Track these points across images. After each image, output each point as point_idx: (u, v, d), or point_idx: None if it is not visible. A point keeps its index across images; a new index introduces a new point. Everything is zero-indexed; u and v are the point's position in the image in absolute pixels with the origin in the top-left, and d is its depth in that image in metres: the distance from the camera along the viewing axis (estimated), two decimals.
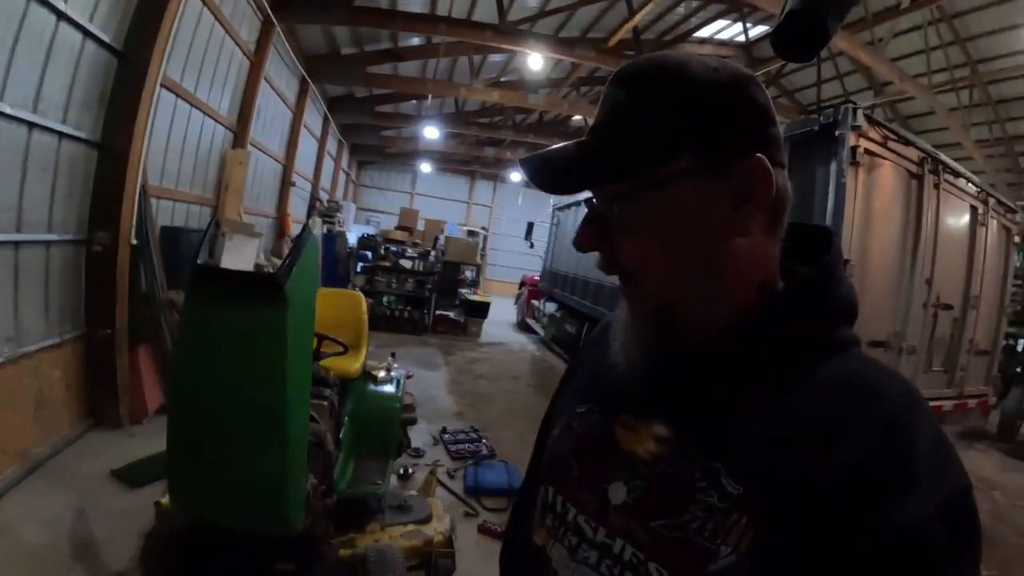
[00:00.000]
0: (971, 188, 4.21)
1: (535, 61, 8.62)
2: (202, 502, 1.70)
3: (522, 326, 11.88)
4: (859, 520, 0.42)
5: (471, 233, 12.52)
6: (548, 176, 0.56)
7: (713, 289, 0.53)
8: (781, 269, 0.56)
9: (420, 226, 11.01)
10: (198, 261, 1.61)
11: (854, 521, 0.42)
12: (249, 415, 1.55)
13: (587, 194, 0.56)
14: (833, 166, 3.33)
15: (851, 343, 0.54)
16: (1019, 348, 6.45)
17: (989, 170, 9.15)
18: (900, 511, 0.42)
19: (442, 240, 10.56)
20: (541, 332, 10.26)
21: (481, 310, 9.86)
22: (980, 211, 4.28)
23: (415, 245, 9.98)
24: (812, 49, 1.88)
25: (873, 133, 3.40)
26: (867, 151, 3.35)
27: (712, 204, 0.50)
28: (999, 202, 4.54)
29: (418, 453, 4.15)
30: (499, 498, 3.56)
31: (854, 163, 3.28)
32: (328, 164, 13.00)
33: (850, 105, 3.29)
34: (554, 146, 0.55)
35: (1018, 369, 6.23)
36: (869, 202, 3.44)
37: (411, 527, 2.54)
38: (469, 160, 18.60)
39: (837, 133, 3.30)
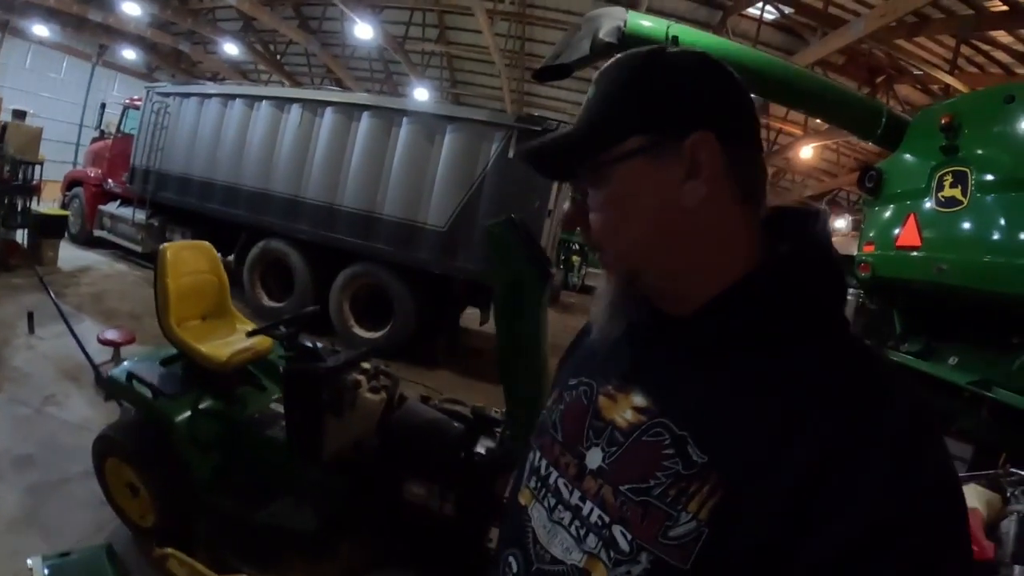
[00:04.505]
0: None
1: None
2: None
3: (87, 240, 8.70)
4: (821, 517, 0.42)
5: (18, 114, 7.50)
6: (543, 164, 0.66)
7: (681, 258, 0.56)
8: (767, 248, 0.57)
9: None
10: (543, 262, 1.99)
11: (816, 518, 0.42)
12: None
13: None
14: None
15: (834, 321, 0.54)
16: None
17: None
18: (860, 509, 0.41)
19: None
20: (128, 245, 8.02)
21: (58, 227, 7.31)
22: None
23: None
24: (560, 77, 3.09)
25: None
26: None
27: (661, 178, 0.54)
28: None
29: None
30: None
31: None
32: None
33: None
34: (546, 137, 0.63)
35: None
36: None
37: None
38: None
39: None
